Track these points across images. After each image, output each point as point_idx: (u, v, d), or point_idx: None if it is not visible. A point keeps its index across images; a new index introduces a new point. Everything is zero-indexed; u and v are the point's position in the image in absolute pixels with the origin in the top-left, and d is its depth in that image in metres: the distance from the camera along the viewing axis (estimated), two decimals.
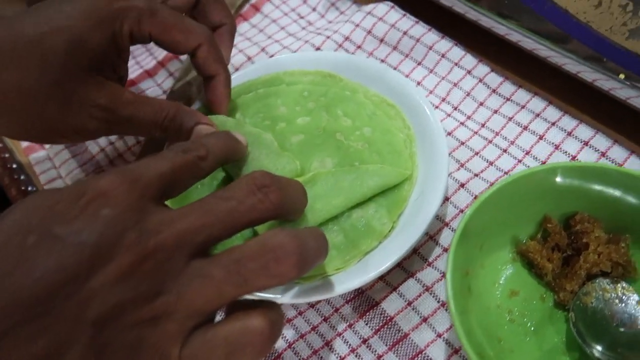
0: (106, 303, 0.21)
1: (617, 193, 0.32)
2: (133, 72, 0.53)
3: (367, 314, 0.35)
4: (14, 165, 0.49)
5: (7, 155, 0.50)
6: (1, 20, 0.33)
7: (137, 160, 0.45)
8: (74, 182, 0.24)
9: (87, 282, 0.21)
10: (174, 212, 0.24)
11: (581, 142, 0.39)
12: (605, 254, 0.32)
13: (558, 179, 0.32)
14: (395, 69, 0.47)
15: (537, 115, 0.41)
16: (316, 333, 0.36)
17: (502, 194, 0.32)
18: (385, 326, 0.35)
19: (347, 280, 0.34)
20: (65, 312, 0.20)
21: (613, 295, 0.32)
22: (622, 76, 0.36)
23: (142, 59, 0.55)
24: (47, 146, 0.49)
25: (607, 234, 0.33)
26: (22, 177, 0.48)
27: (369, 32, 0.48)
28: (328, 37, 0.49)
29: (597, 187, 0.32)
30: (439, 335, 0.34)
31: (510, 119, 0.42)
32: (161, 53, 0.54)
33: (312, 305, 0.37)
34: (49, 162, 0.48)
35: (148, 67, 0.53)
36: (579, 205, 0.33)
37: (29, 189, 0.48)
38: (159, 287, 0.22)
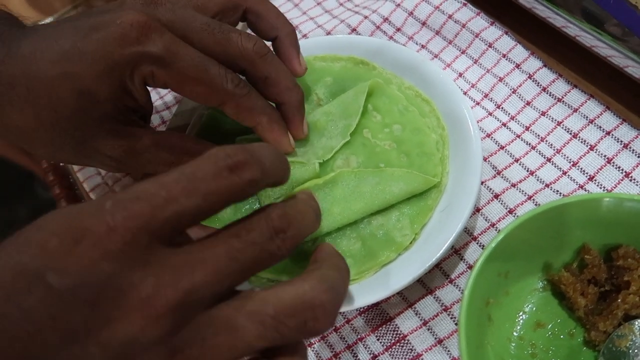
0: None
1: None
2: None
3: (380, 328, 0.34)
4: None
5: None
6: (15, 53, 0.30)
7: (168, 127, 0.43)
8: (77, 207, 0.21)
9: (86, 345, 0.19)
10: (189, 255, 0.21)
11: (638, 156, 0.34)
12: None
13: (605, 209, 0.29)
14: (436, 56, 0.43)
15: (591, 121, 0.36)
16: (325, 343, 0.34)
17: (542, 218, 0.29)
18: (398, 344, 0.33)
19: (362, 294, 0.32)
20: None
21: None
22: None
23: None
24: None
25: None
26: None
27: (411, 13, 0.44)
28: (366, 17, 0.45)
29: None
30: None
31: (559, 123, 0.37)
32: None
33: None
34: None
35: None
36: (623, 237, 0.30)
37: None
38: (179, 344, 0.20)
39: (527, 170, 0.37)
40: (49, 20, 0.58)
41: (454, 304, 0.33)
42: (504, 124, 0.39)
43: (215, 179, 0.21)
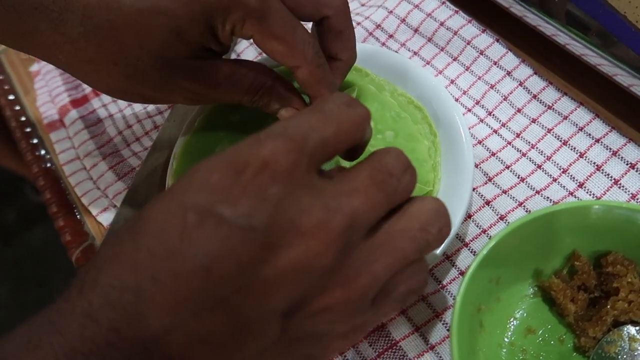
0: (293, 294, 0.20)
1: None
2: None
3: (372, 335, 0.34)
4: (35, 140, 0.49)
5: (29, 129, 0.50)
6: None
7: (155, 145, 0.45)
8: (230, 148, 0.21)
9: (263, 272, 0.19)
10: (343, 185, 0.22)
11: (627, 164, 0.35)
12: (637, 303, 0.29)
13: (595, 216, 0.29)
14: (428, 63, 0.43)
15: (581, 129, 0.37)
16: None
17: (533, 225, 0.29)
18: (390, 350, 0.33)
19: None
20: (245, 304, 0.19)
21: None
22: None
23: None
24: (67, 124, 0.49)
25: None
26: (42, 153, 0.48)
27: (403, 20, 0.45)
28: (358, 24, 0.46)
29: (636, 229, 0.29)
30: None
31: (549, 130, 0.38)
32: None
33: None
34: (68, 142, 0.48)
35: None
36: (613, 244, 0.30)
37: (49, 165, 0.48)
38: (346, 270, 0.21)
39: (518, 177, 0.37)
40: None
41: (445, 310, 0.33)
42: (495, 131, 0.39)
43: (341, 111, 0.23)
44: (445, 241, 0.32)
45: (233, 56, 0.49)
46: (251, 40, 0.31)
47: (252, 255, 0.19)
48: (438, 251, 0.32)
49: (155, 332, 0.19)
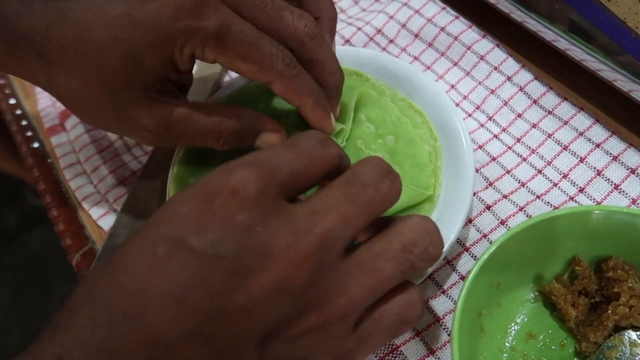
0: (268, 319, 0.20)
1: None
2: None
3: None
4: (36, 144, 0.49)
5: (30, 133, 0.50)
6: (66, 14, 0.31)
7: (156, 148, 0.45)
8: (201, 179, 0.21)
9: (236, 299, 0.19)
10: (316, 204, 0.21)
11: (628, 169, 0.35)
12: (638, 308, 0.29)
13: (595, 221, 0.29)
14: (428, 68, 0.43)
15: (581, 134, 0.37)
16: None
17: (534, 230, 0.29)
18: (391, 354, 0.33)
19: None
20: (219, 333, 0.19)
21: None
22: None
23: None
24: (68, 128, 0.49)
25: None
26: (43, 157, 0.48)
27: (404, 25, 0.45)
28: (359, 29, 0.46)
29: (637, 234, 0.29)
30: None
31: (550, 135, 0.38)
32: None
33: None
34: (69, 146, 0.48)
35: None
36: (613, 249, 0.30)
37: (49, 169, 0.48)
38: (322, 292, 0.21)
39: (519, 182, 0.37)
40: None
41: (446, 315, 0.33)
42: (496, 136, 0.39)
43: (314, 148, 0.23)
44: (446, 246, 0.32)
45: None
46: None
47: (222, 282, 0.19)
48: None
49: None
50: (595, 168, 0.36)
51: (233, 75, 0.46)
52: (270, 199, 0.21)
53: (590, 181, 0.35)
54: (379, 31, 0.45)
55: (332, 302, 0.21)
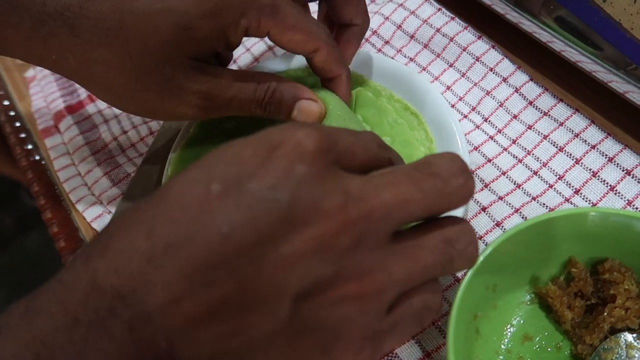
0: (308, 275, 0.19)
1: None
2: None
3: None
4: (30, 146, 0.49)
5: (23, 135, 0.50)
6: None
7: (150, 150, 0.45)
8: (264, 131, 0.21)
9: (281, 247, 0.19)
10: (375, 179, 0.21)
11: (623, 170, 0.35)
12: (634, 310, 0.29)
13: (591, 223, 0.29)
14: (424, 69, 0.43)
15: (576, 135, 0.37)
16: None
17: (530, 232, 0.29)
18: (386, 357, 0.33)
19: None
20: (259, 278, 0.19)
21: (638, 354, 0.29)
22: None
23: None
24: (62, 129, 0.48)
25: (638, 286, 0.29)
26: (37, 159, 0.48)
27: (399, 26, 0.45)
28: None
29: (633, 236, 0.29)
30: None
31: (545, 137, 0.38)
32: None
33: None
34: (63, 147, 0.48)
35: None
36: (609, 251, 0.30)
37: (43, 171, 0.47)
38: (364, 263, 0.20)
39: (514, 183, 0.37)
40: None
41: (441, 317, 0.33)
42: (491, 137, 0.39)
43: (373, 141, 0.23)
44: None
45: (242, 50, 0.49)
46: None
47: (272, 228, 0.19)
48: None
49: (161, 302, 0.18)
50: (590, 169, 0.36)
51: None
52: (330, 162, 0.21)
53: (586, 183, 0.35)
54: (374, 32, 0.45)
55: (372, 275, 0.20)
